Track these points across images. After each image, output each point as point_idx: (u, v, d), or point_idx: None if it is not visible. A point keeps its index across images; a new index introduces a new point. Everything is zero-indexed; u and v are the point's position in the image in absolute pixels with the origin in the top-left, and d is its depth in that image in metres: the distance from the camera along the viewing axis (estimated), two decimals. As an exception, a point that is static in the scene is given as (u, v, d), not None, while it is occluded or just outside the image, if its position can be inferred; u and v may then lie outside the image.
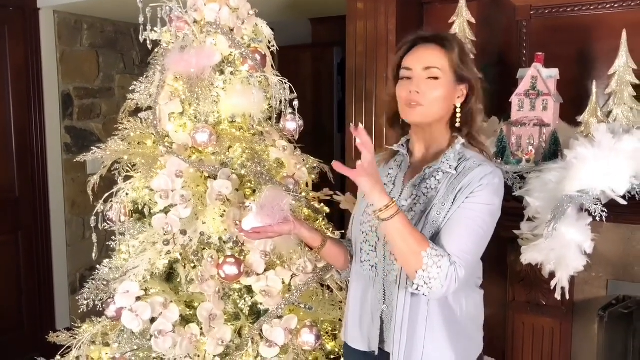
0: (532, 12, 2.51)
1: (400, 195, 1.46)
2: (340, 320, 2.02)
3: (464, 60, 1.42)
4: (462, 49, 1.44)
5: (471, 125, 1.46)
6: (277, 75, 2.00)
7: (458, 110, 1.44)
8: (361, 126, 1.24)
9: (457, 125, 1.44)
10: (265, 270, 1.89)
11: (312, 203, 2.07)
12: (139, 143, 2.01)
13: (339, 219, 2.46)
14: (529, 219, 2.06)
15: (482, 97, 1.46)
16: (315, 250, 1.55)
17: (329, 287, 2.05)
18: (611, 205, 1.91)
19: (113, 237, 1.97)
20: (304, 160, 2.11)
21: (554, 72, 2.22)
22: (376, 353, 1.48)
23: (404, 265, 1.31)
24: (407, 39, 1.46)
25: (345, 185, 2.67)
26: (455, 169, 1.40)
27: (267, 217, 1.42)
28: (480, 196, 1.35)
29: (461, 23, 2.43)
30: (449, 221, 1.35)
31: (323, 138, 4.97)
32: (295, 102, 1.97)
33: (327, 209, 2.12)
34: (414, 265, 1.27)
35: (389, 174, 1.53)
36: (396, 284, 1.41)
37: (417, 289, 1.29)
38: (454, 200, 1.36)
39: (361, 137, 1.22)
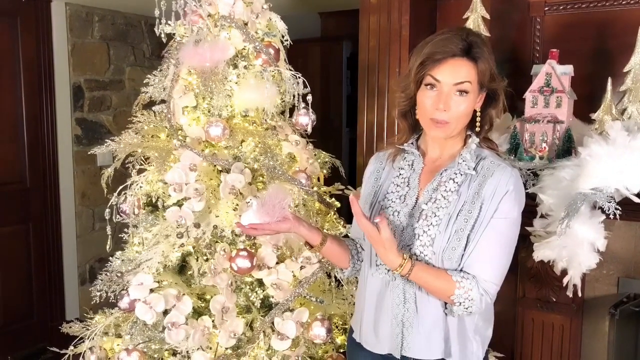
0: (546, 9, 2.50)
1: (417, 199, 1.44)
2: (351, 314, 2.02)
3: (493, 72, 1.38)
4: (492, 59, 1.38)
5: (488, 127, 1.46)
6: (290, 70, 2.00)
7: (478, 114, 1.42)
8: (385, 215, 1.35)
9: (477, 129, 1.43)
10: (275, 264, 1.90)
11: (324, 197, 2.07)
12: (152, 136, 2.02)
13: (350, 213, 2.46)
14: (542, 216, 2.06)
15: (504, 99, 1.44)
16: (315, 249, 1.50)
17: (337, 280, 2.05)
18: (624, 203, 1.91)
19: (125, 229, 1.98)
20: (315, 154, 2.11)
21: (569, 68, 2.21)
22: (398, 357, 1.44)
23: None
24: (437, 53, 1.34)
25: (356, 179, 2.67)
26: (474, 169, 1.40)
27: (266, 215, 1.42)
28: (505, 210, 1.36)
29: (475, 19, 2.41)
30: (479, 241, 1.35)
31: (331, 133, 4.95)
32: (309, 97, 1.97)
33: (338, 204, 2.12)
34: (448, 300, 1.37)
35: (400, 174, 1.49)
36: (420, 289, 1.40)
37: (458, 314, 1.39)
38: (480, 207, 1.36)
39: (382, 223, 1.30)
